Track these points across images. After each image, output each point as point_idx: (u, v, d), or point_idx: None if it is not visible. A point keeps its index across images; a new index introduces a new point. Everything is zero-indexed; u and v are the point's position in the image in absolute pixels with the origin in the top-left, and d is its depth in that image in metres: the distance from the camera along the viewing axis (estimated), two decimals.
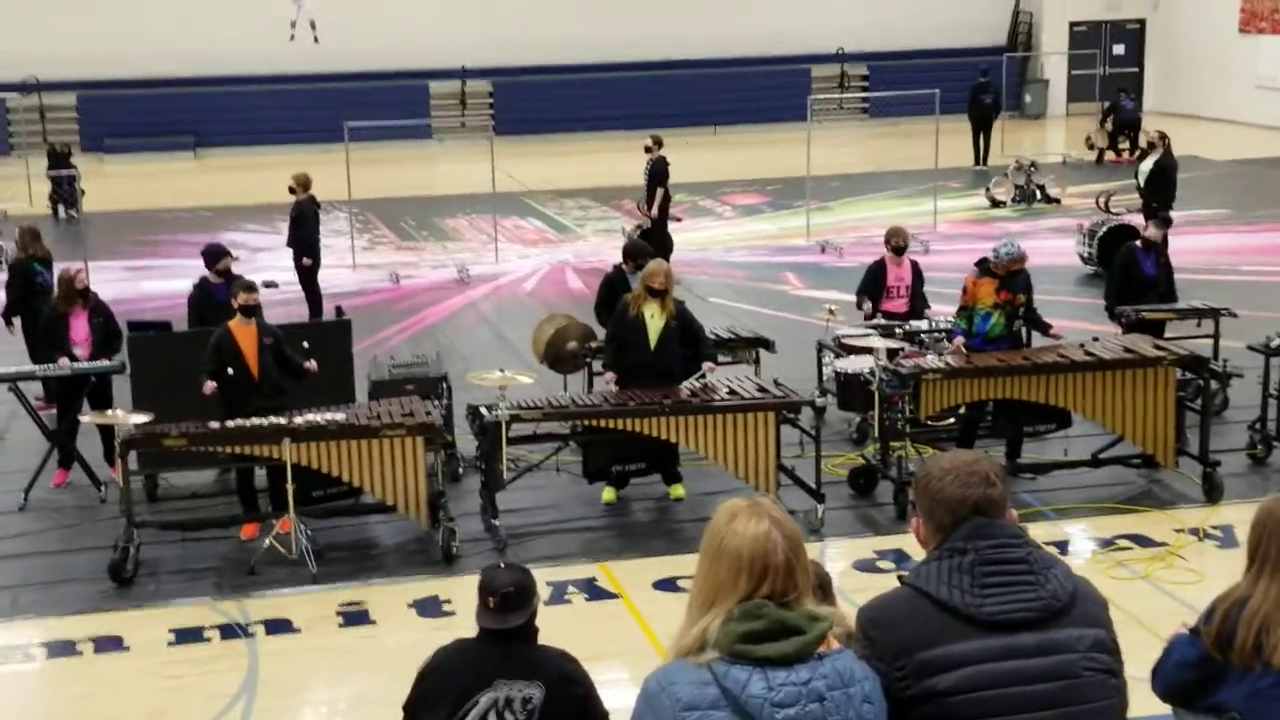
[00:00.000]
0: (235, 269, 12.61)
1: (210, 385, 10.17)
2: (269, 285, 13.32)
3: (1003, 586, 3.62)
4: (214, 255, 12.47)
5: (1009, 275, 11.23)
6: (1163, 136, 19.13)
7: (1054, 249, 19.77)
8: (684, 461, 11.32)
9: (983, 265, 11.43)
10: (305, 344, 10.89)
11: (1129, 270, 12.74)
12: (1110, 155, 29.53)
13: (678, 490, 11.10)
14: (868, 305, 12.78)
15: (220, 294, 12.10)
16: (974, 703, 3.55)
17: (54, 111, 34.14)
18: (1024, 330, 11.76)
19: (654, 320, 10.80)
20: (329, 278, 19.81)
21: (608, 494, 11.09)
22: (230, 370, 10.28)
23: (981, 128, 29.12)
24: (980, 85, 29.00)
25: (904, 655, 3.56)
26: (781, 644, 3.33)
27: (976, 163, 28.79)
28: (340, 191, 21.40)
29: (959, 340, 11.33)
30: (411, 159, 30.63)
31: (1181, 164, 19.67)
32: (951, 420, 11.57)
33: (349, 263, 20.91)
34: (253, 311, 10.38)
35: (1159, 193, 18.33)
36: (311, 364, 10.49)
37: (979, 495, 3.70)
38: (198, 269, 12.89)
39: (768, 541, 3.42)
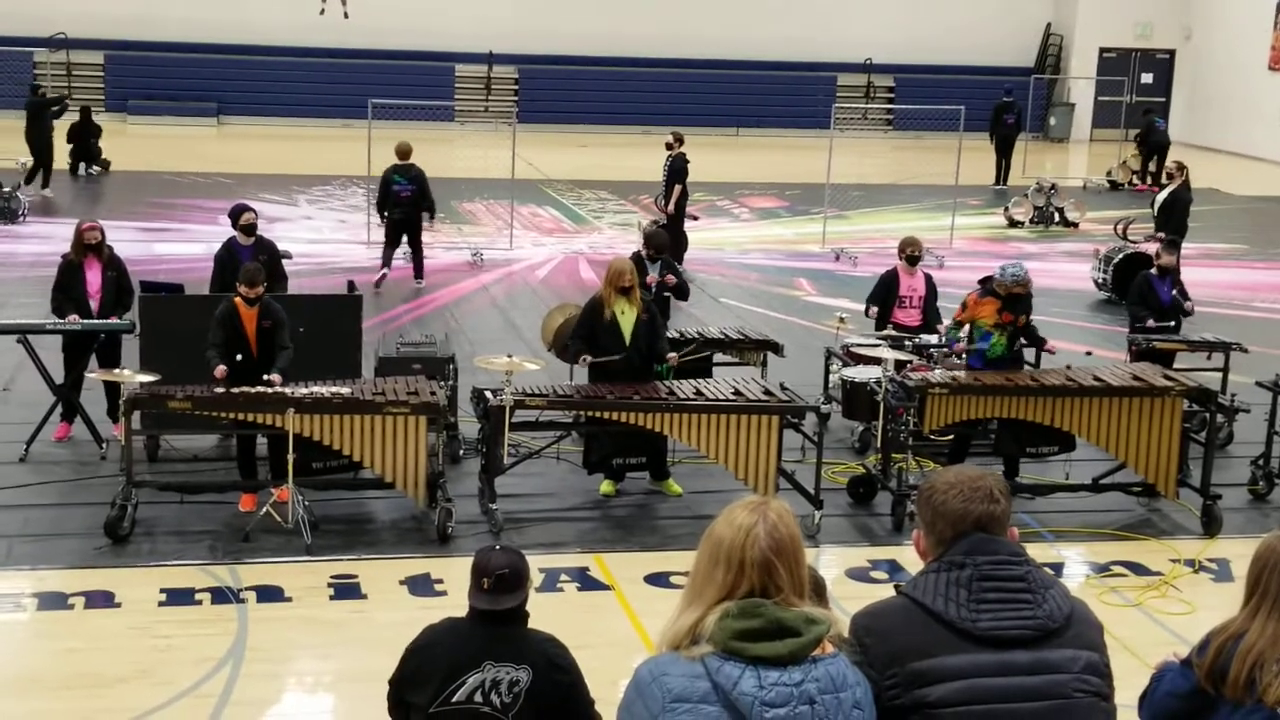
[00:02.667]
0: (262, 235, 12.72)
1: (221, 370, 10.06)
2: (283, 256, 13.34)
3: (1000, 603, 3.62)
4: (236, 211, 12.62)
5: (1011, 298, 11.23)
6: (1181, 168, 19.23)
7: (1069, 273, 19.75)
8: (684, 459, 11.33)
9: (986, 284, 11.43)
10: (301, 329, 10.76)
11: (1145, 297, 12.74)
12: (1136, 181, 29.57)
13: (674, 487, 11.10)
14: (874, 311, 12.78)
15: (245, 256, 12.15)
16: (962, 717, 3.55)
17: (80, 69, 34.18)
18: (1024, 354, 11.71)
19: (625, 317, 10.81)
20: (343, 253, 19.85)
21: (606, 486, 11.09)
22: (233, 347, 10.24)
23: (1003, 148, 29.12)
24: (1003, 105, 28.99)
25: (896, 664, 3.56)
26: (776, 644, 3.33)
27: (997, 182, 28.79)
28: (360, 168, 21.39)
29: (960, 345, 11.34)
30: (432, 140, 30.63)
31: (1201, 197, 19.71)
32: (950, 436, 11.55)
33: (363, 239, 20.92)
34: (253, 303, 10.34)
35: (1170, 223, 18.43)
36: (275, 378, 10.09)
37: (982, 511, 3.70)
38: (214, 234, 12.96)
39: (747, 536, 3.42)
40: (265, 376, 10.11)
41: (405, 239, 18.09)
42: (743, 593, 3.40)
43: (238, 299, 10.35)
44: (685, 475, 11.28)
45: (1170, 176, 19.41)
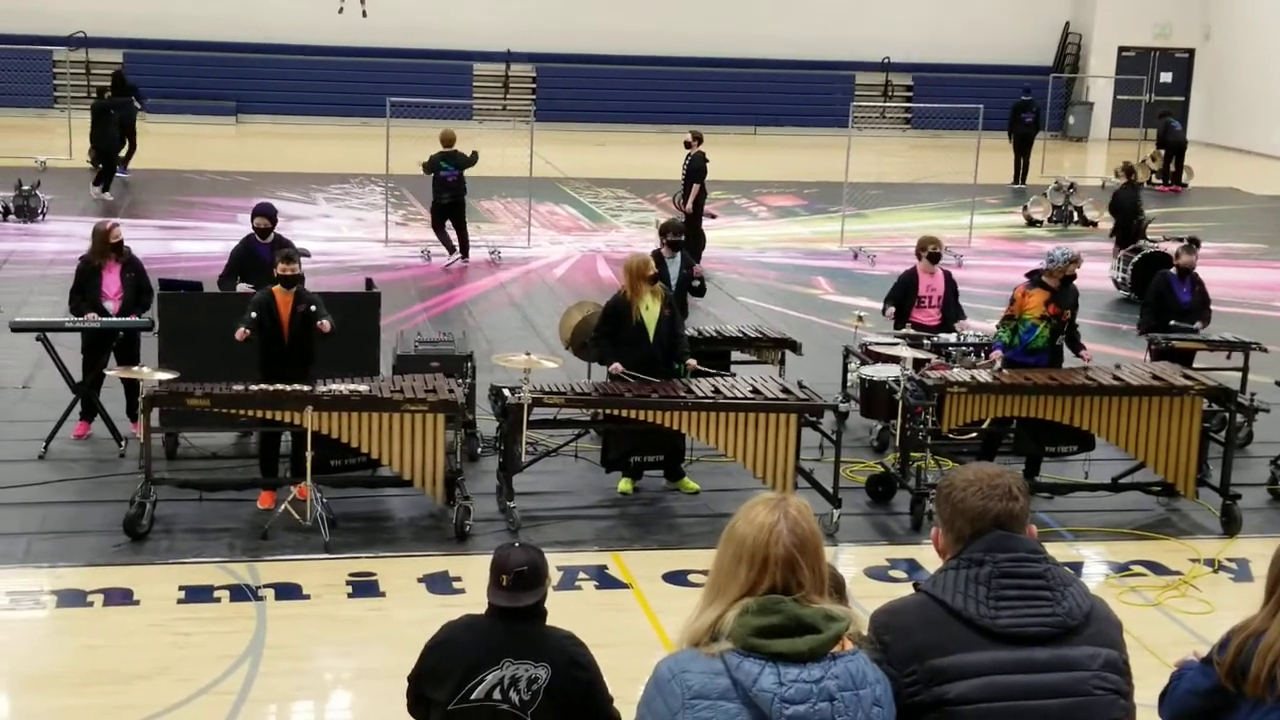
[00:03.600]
0: (280, 234, 12.72)
1: (242, 332, 10.14)
2: (301, 254, 13.35)
3: (1019, 600, 3.61)
4: (254, 212, 12.64)
5: (1061, 286, 11.24)
6: (1128, 170, 19.76)
7: (1088, 272, 19.51)
8: (702, 458, 11.32)
9: (1034, 277, 11.43)
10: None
11: (1163, 297, 12.70)
12: (1155, 181, 29.52)
13: (691, 484, 11.09)
14: (891, 310, 12.76)
15: (262, 252, 12.19)
16: (982, 714, 3.54)
17: (99, 68, 34.26)
18: (1063, 348, 11.71)
19: (649, 313, 10.80)
20: (361, 251, 19.86)
21: (624, 484, 11.08)
22: (266, 332, 10.28)
23: (1021, 146, 29.08)
24: (1022, 104, 28.93)
25: (915, 661, 3.55)
26: (796, 641, 3.33)
27: (1015, 181, 28.73)
28: (378, 166, 21.42)
29: (997, 354, 11.35)
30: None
31: (1220, 196, 19.72)
32: (973, 435, 11.53)
33: (381, 237, 20.96)
34: (290, 282, 10.37)
35: (1118, 222, 19.50)
36: (324, 324, 10.29)
37: (1000, 508, 3.69)
38: (232, 232, 12.99)
39: (771, 533, 3.42)
40: (318, 323, 10.21)
41: (450, 222, 19.38)
42: (764, 590, 3.39)
43: (275, 287, 10.36)
44: (703, 473, 11.27)
45: (1117, 175, 19.86)
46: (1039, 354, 11.29)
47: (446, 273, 19.07)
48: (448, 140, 19.04)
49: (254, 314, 10.22)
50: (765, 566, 3.40)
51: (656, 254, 12.19)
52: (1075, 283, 11.60)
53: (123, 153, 25.37)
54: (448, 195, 19.10)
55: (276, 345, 10.33)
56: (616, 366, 10.71)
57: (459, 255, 19.45)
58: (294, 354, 10.33)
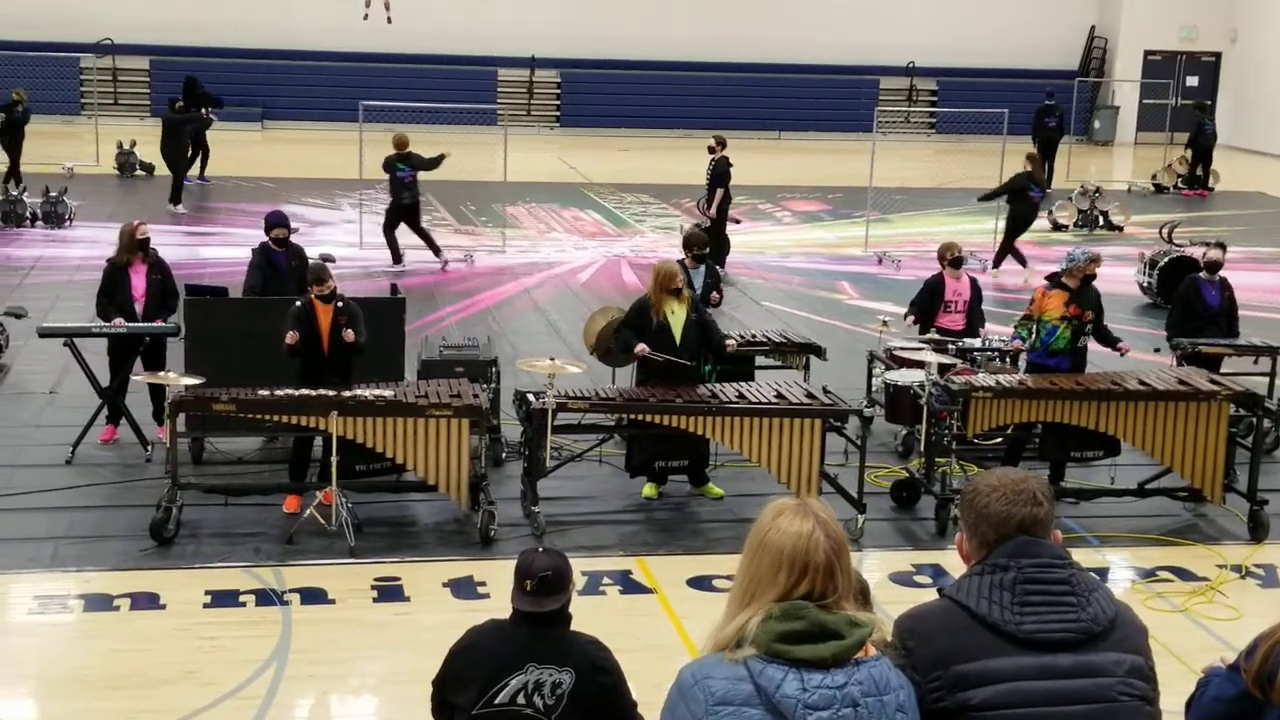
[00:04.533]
0: (293, 240, 12.72)
1: (293, 335, 10.16)
2: (326, 260, 13.39)
3: (1043, 606, 3.60)
4: (269, 222, 12.62)
5: (1081, 287, 11.24)
6: (1030, 158, 20.57)
7: (1114, 277, 19.58)
8: (726, 462, 11.32)
9: (1054, 279, 11.43)
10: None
11: (1191, 302, 12.64)
12: (1181, 185, 29.38)
13: (715, 489, 11.09)
14: (910, 320, 12.78)
15: (280, 260, 12.22)
16: None
17: (126, 74, 34.47)
18: (1087, 350, 11.68)
19: (675, 317, 10.81)
20: (385, 256, 19.88)
21: (648, 489, 11.08)
22: (306, 342, 10.30)
23: (1046, 151, 28.99)
24: (1045, 108, 28.87)
25: (940, 667, 3.55)
26: (819, 647, 3.32)
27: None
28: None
29: (1018, 343, 11.39)
30: (474, 144, 30.79)
31: (1247, 200, 19.62)
32: (998, 440, 11.50)
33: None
34: (328, 299, 10.39)
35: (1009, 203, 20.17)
36: (348, 334, 10.33)
37: (1025, 513, 3.68)
38: (258, 238, 13.03)
39: (810, 540, 3.41)
40: (343, 330, 10.25)
41: (408, 227, 19.44)
42: (799, 595, 3.39)
43: (314, 296, 10.39)
44: (727, 478, 11.27)
45: (1025, 165, 20.45)
46: (1060, 356, 11.28)
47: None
48: (400, 144, 19.21)
49: (291, 325, 10.26)
50: (805, 572, 3.40)
51: (681, 263, 12.21)
52: (1100, 287, 11.57)
53: (195, 164, 25.49)
54: (407, 195, 19.21)
55: (316, 356, 10.36)
56: (642, 348, 10.70)
57: (403, 262, 19.50)
58: (334, 364, 10.36)
